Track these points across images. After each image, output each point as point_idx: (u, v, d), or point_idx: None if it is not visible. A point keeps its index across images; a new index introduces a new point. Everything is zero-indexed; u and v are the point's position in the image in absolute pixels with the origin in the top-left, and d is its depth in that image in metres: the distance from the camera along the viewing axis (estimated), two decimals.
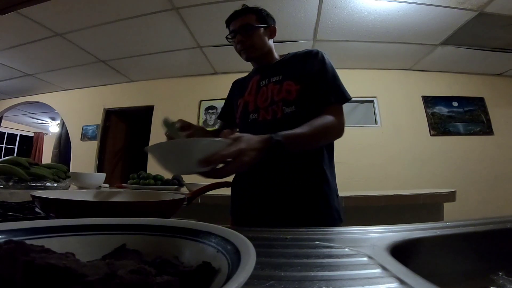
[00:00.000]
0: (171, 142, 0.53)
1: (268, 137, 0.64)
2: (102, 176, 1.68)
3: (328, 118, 0.79)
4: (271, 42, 0.98)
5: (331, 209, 0.83)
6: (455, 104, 3.66)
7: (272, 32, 0.98)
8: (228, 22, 0.96)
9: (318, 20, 2.74)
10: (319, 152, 0.87)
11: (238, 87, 1.07)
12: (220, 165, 0.55)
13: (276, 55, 1.00)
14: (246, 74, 1.10)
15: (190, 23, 2.81)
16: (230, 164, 0.54)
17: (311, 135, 0.73)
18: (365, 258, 0.36)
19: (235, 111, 1.03)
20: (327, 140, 0.85)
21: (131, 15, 2.68)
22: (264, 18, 0.94)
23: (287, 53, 0.99)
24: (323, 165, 0.86)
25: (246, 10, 0.93)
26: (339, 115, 0.82)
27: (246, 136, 0.59)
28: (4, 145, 7.20)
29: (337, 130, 0.81)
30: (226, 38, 0.97)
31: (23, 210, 0.62)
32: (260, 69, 1.00)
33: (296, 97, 0.86)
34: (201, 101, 4.02)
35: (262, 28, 0.93)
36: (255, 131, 0.66)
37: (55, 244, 0.25)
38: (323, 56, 0.89)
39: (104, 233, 0.30)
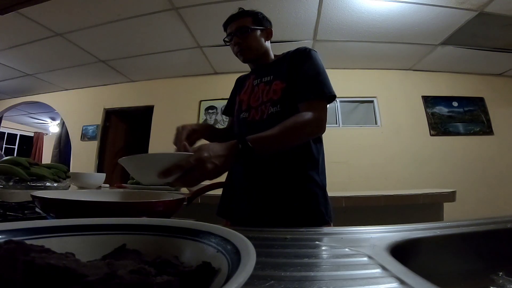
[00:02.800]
0: (135, 156, 0.56)
1: (235, 142, 0.64)
2: (102, 176, 1.68)
3: (303, 115, 0.76)
4: (267, 43, 0.99)
5: (314, 212, 0.82)
6: (455, 104, 3.66)
7: (268, 34, 0.99)
8: (225, 26, 0.98)
9: (318, 20, 2.74)
10: (307, 151, 0.85)
11: (239, 84, 1.09)
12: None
13: (272, 56, 1.01)
14: (246, 73, 1.11)
15: (190, 23, 2.81)
16: (193, 172, 0.56)
17: (281, 135, 0.70)
18: (365, 258, 0.36)
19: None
20: (303, 138, 0.79)
21: (131, 15, 2.68)
22: (260, 21, 0.96)
23: (282, 53, 1.00)
24: (308, 166, 0.85)
25: (242, 13, 0.95)
26: (317, 111, 0.78)
27: (209, 144, 0.61)
28: (4, 145, 7.20)
29: (313, 126, 0.77)
30: (224, 40, 0.99)
31: (23, 210, 0.62)
32: (256, 69, 1.01)
33: (281, 96, 0.86)
34: (201, 101, 4.02)
35: (258, 30, 0.95)
36: (244, 130, 0.67)
37: (55, 244, 0.25)
38: (309, 53, 0.88)
39: (104, 233, 0.30)
